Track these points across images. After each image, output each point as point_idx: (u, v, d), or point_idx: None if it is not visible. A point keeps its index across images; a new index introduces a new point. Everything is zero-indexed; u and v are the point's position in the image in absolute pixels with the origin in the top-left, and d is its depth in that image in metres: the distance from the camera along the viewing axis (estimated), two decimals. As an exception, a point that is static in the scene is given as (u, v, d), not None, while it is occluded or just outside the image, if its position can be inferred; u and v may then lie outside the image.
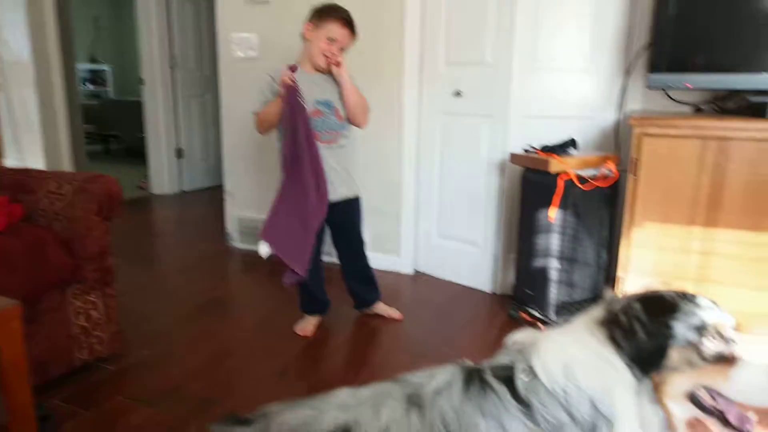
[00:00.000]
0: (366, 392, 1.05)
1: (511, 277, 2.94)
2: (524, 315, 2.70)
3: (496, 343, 2.51)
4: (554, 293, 2.49)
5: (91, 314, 2.21)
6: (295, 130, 2.28)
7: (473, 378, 1.06)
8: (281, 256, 2.32)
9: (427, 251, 3.39)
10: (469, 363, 1.12)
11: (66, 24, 4.54)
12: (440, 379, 1.06)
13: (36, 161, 4.25)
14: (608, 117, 2.73)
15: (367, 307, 2.75)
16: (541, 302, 2.55)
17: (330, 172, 2.39)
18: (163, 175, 5.62)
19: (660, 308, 1.04)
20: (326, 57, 2.32)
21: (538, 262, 2.53)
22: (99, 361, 2.27)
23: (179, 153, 5.66)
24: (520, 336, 1.15)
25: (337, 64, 2.32)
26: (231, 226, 3.96)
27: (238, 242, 3.93)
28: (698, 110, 2.52)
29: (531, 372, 1.04)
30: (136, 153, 6.85)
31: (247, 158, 3.78)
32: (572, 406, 1.00)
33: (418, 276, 3.40)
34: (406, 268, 3.42)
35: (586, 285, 2.52)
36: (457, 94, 3.02)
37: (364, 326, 2.69)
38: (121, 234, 4.30)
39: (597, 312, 1.12)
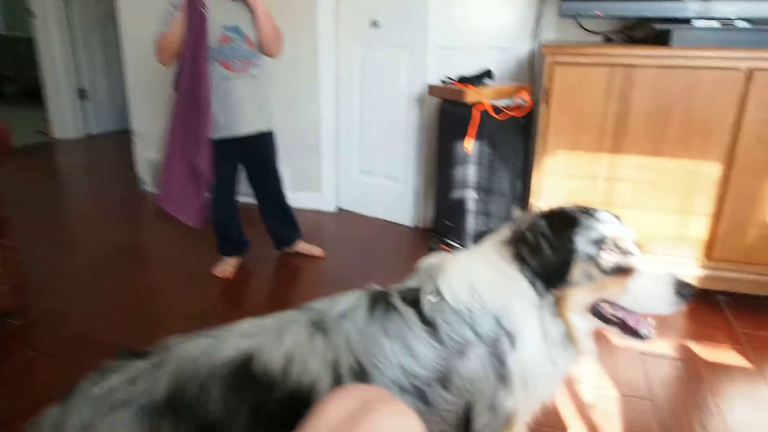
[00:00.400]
0: (269, 320, 1.04)
1: (432, 210, 2.98)
2: (444, 246, 2.76)
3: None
4: (472, 223, 2.54)
5: (-13, 266, 2.05)
6: (192, 50, 2.13)
7: (378, 301, 1.07)
8: (173, 213, 2.26)
9: (349, 188, 3.36)
10: (377, 287, 1.13)
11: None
12: (344, 303, 1.06)
13: None
14: (523, 48, 2.74)
15: (287, 246, 2.71)
16: (459, 233, 2.60)
17: (241, 103, 2.29)
18: (65, 118, 5.20)
19: (563, 224, 1.06)
20: None
21: (456, 194, 2.56)
22: (2, 315, 2.12)
23: (82, 94, 5.25)
24: (430, 260, 1.15)
25: None
26: (142, 169, 3.75)
27: (151, 186, 3.74)
28: (608, 40, 2.56)
29: (437, 293, 1.06)
30: (34, 95, 6.28)
31: (155, 95, 3.54)
32: (476, 323, 1.03)
33: (341, 213, 3.38)
34: (328, 205, 3.39)
35: (502, 214, 2.59)
36: (374, 24, 2.93)
37: (285, 265, 2.66)
38: (21, 182, 3.99)
39: (504, 232, 1.14)
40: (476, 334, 1.03)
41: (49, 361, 1.89)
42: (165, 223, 3.26)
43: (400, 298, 1.07)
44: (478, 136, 2.38)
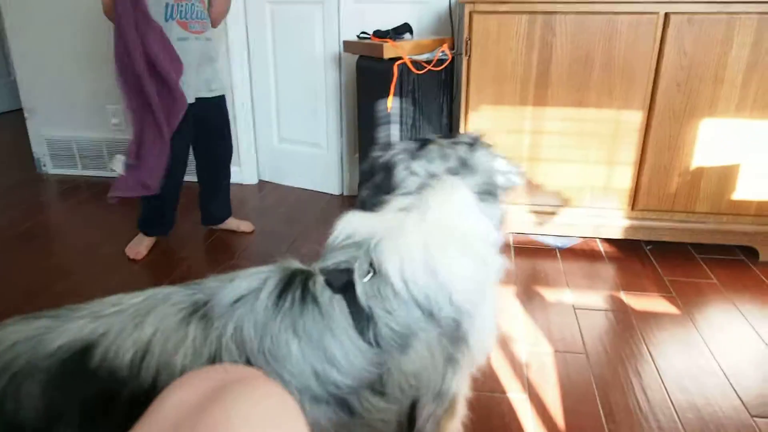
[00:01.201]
0: (137, 298, 0.82)
1: (357, 175, 2.84)
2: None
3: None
4: (398, 187, 2.43)
5: None
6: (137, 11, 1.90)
7: (292, 284, 0.84)
8: (140, 176, 2.01)
9: (270, 158, 3.17)
10: (294, 264, 0.90)
11: None
12: (244, 284, 0.83)
13: None
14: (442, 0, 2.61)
15: (219, 223, 2.52)
16: (386, 197, 2.48)
17: (201, 66, 2.16)
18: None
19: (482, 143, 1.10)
20: None
21: (381, 157, 2.44)
22: None
23: (-33, 70, 4.72)
24: (353, 221, 0.95)
25: None
26: (39, 149, 3.40)
27: (50, 168, 3.40)
28: (527, -11, 2.48)
29: (373, 270, 0.85)
30: None
31: (48, 66, 3.19)
32: (432, 304, 0.84)
33: (263, 185, 3.19)
34: (249, 178, 3.19)
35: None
36: (284, -21, 2.72)
37: (209, 242, 2.46)
38: None
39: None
40: (429, 316, 0.84)
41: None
42: (67, 207, 2.97)
43: (323, 282, 0.85)
44: (398, 93, 2.25)
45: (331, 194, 3.01)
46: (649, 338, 1.74)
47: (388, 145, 1.07)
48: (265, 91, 3.02)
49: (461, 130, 2.26)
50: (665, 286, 2.06)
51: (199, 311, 0.79)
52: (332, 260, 0.90)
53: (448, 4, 2.59)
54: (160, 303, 0.80)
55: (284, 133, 3.07)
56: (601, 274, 2.16)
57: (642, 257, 2.28)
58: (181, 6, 2.07)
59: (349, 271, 0.85)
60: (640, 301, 1.96)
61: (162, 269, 2.22)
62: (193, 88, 2.13)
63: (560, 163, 2.24)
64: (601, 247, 2.37)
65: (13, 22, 3.16)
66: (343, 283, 0.84)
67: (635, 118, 2.12)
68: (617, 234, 2.31)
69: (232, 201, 2.54)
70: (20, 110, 3.39)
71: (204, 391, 0.46)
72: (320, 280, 0.85)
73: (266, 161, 3.18)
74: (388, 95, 2.24)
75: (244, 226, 2.54)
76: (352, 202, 2.85)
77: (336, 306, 0.82)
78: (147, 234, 2.35)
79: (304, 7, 2.73)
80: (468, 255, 0.89)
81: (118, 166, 2.03)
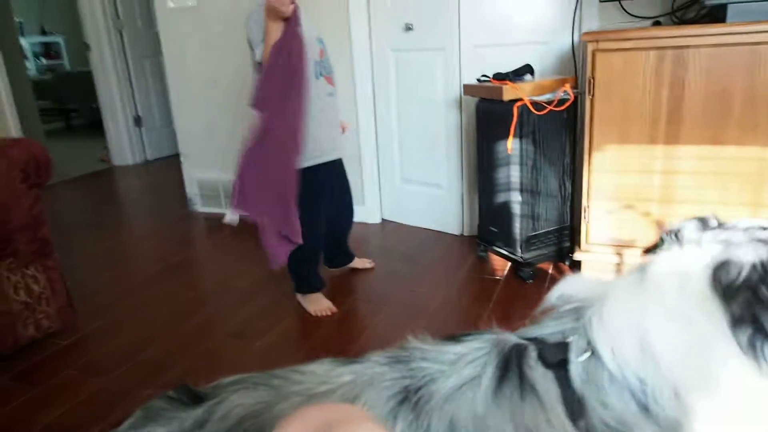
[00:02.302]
0: (346, 375, 0.75)
1: (477, 216, 2.85)
2: (492, 254, 2.62)
3: (463, 285, 2.44)
4: (518, 228, 2.40)
5: (33, 288, 2.10)
6: (292, 66, 1.92)
7: (510, 366, 0.73)
8: (266, 221, 2.00)
9: (393, 198, 3.28)
10: (506, 336, 0.78)
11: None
12: (464, 372, 0.73)
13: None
14: (565, 40, 2.58)
15: (346, 264, 2.61)
16: (506, 239, 2.46)
17: (337, 126, 2.22)
18: (123, 145, 5.40)
19: None
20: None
21: (500, 197, 2.43)
22: (49, 336, 2.17)
23: (138, 121, 5.44)
24: (571, 286, 0.82)
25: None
26: (191, 190, 3.81)
27: (200, 206, 3.79)
28: (657, 23, 2.38)
29: (590, 350, 0.73)
30: (98, 125, 6.58)
31: (200, 116, 3.60)
32: (649, 396, 0.70)
33: (385, 224, 3.30)
34: (372, 217, 3.31)
35: (552, 216, 2.43)
36: (408, 28, 2.85)
37: (333, 280, 2.59)
38: (79, 208, 4.16)
39: (687, 262, 0.74)
40: (645, 412, 0.70)
41: (94, 381, 1.90)
42: (211, 243, 3.29)
43: (537, 358, 0.74)
44: (519, 135, 2.25)
45: (452, 234, 3.03)
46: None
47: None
48: (388, 133, 3.15)
49: (584, 170, 2.19)
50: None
51: (411, 400, 0.72)
52: (545, 330, 0.79)
53: (570, 43, 2.55)
54: (367, 387, 0.74)
55: (406, 174, 3.17)
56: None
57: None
58: (324, 61, 2.11)
59: (565, 346, 0.75)
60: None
61: (286, 302, 2.37)
62: (341, 143, 2.22)
63: (697, 205, 2.08)
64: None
65: (173, 80, 3.62)
66: (557, 361, 0.74)
67: (785, 155, 1.93)
68: (767, 283, 2.08)
69: (355, 240, 2.66)
70: (177, 155, 3.84)
71: (314, 428, 0.50)
72: (534, 356, 0.75)
73: (389, 201, 3.30)
74: (507, 136, 2.24)
75: (366, 263, 2.64)
76: (472, 242, 2.86)
77: (550, 388, 0.72)
78: (310, 292, 2.31)
79: (426, 54, 2.84)
80: (687, 322, 0.71)
81: (229, 217, 2.17)
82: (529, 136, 2.27)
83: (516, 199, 2.36)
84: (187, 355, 2.04)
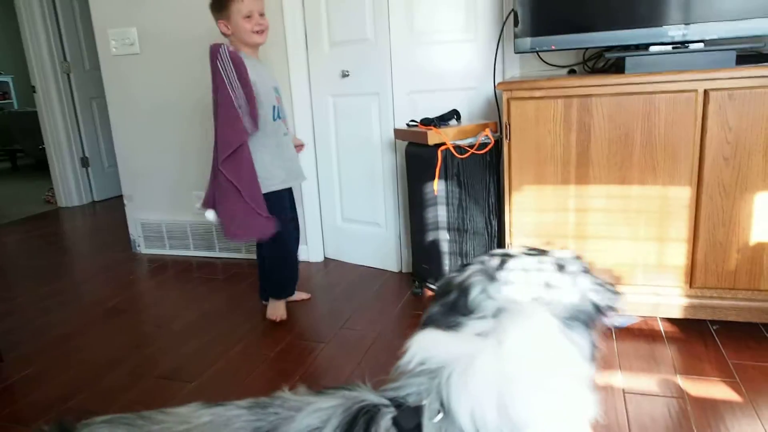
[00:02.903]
0: (206, 417, 0.80)
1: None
2: (427, 290, 2.70)
3: (396, 321, 2.50)
4: (447, 265, 2.49)
5: (-44, 337, 2.07)
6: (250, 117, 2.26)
7: (356, 425, 0.75)
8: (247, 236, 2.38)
9: (334, 236, 3.34)
10: (362, 395, 0.81)
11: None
12: (306, 420, 0.77)
13: None
14: (490, 86, 2.74)
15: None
16: (437, 275, 2.55)
17: (294, 157, 2.53)
18: (70, 186, 5.34)
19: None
20: (258, 31, 2.32)
21: (430, 236, 2.52)
22: (-26, 386, 2.12)
23: (84, 162, 5.40)
24: (427, 344, 0.83)
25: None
26: (135, 231, 3.80)
27: (143, 248, 3.77)
28: (572, 71, 2.56)
29: (443, 410, 0.75)
30: (44, 166, 6.48)
31: (144, 159, 3.62)
32: None
33: (328, 262, 3.35)
34: (315, 256, 3.37)
35: (480, 253, 2.53)
36: (345, 74, 2.97)
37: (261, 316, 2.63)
38: (20, 251, 4.08)
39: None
40: None
41: (14, 430, 1.87)
42: (153, 284, 3.27)
43: (390, 422, 0.75)
44: (444, 177, 2.36)
45: (391, 271, 3.11)
46: (703, 428, 1.64)
47: (464, 266, 0.95)
48: (329, 174, 3.24)
49: (506, 209, 2.31)
50: (728, 370, 1.93)
51: None
52: (402, 390, 0.80)
53: (493, 89, 2.71)
54: (222, 427, 0.79)
55: (347, 213, 3.25)
56: (658, 355, 2.06)
57: (706, 338, 2.16)
58: (280, 108, 2.43)
59: (419, 410, 0.76)
60: (697, 387, 1.85)
61: (223, 341, 2.39)
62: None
63: (608, 240, 2.21)
64: (662, 326, 2.27)
65: (116, 123, 3.64)
66: (412, 426, 0.75)
67: (683, 193, 2.08)
68: (677, 313, 2.22)
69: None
70: (120, 197, 3.83)
71: None
72: (387, 419, 0.76)
73: (331, 240, 3.36)
74: (434, 179, 2.35)
75: (303, 295, 2.76)
76: (408, 279, 2.94)
77: None
78: (282, 298, 2.59)
79: (363, 99, 2.96)
80: (549, 391, 0.76)
81: (210, 216, 2.35)
82: (454, 178, 2.39)
83: (444, 237, 2.46)
84: (116, 400, 2.03)
